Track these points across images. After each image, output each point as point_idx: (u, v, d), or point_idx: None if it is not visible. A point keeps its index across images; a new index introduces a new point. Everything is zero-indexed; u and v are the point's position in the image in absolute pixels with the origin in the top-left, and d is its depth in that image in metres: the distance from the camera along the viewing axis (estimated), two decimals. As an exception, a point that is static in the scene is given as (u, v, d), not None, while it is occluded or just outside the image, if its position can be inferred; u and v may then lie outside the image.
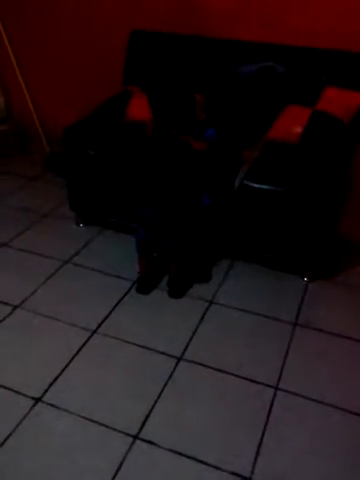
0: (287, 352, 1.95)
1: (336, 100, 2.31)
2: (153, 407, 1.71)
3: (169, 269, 2.27)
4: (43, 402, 1.71)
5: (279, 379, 1.82)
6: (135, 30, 2.81)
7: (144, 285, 2.28)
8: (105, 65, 3.03)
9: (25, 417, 1.65)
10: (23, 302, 2.18)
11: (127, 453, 1.55)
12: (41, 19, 3.12)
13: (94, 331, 2.03)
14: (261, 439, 1.60)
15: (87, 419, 1.66)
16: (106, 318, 2.10)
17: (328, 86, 2.37)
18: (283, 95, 2.49)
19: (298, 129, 2.27)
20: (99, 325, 2.06)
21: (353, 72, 2.39)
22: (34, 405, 1.70)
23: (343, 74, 2.40)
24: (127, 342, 1.98)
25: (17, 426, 1.62)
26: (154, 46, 2.78)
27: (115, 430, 1.62)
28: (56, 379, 1.81)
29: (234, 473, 1.50)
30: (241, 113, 2.57)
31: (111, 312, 2.13)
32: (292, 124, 2.31)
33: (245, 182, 2.15)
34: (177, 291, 2.26)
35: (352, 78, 2.38)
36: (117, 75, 2.83)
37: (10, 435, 1.59)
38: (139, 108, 2.53)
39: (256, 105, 2.57)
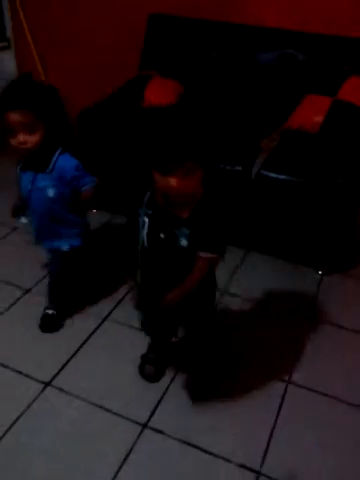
0: (303, 346, 1.91)
1: (359, 90, 2.25)
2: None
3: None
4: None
5: (291, 375, 1.79)
6: (153, 14, 2.76)
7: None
8: (123, 49, 2.97)
9: None
10: None
11: None
12: (59, 2, 3.08)
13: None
14: (275, 422, 1.58)
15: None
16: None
17: (351, 75, 2.30)
18: (303, 83, 2.43)
19: (318, 118, 2.22)
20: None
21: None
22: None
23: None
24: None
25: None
26: (172, 30, 2.73)
27: None
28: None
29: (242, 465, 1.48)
30: (259, 101, 2.52)
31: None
32: (312, 113, 2.26)
33: (262, 172, 2.10)
34: None
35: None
36: (135, 59, 2.78)
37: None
38: (156, 92, 2.49)
39: (275, 93, 2.51)
